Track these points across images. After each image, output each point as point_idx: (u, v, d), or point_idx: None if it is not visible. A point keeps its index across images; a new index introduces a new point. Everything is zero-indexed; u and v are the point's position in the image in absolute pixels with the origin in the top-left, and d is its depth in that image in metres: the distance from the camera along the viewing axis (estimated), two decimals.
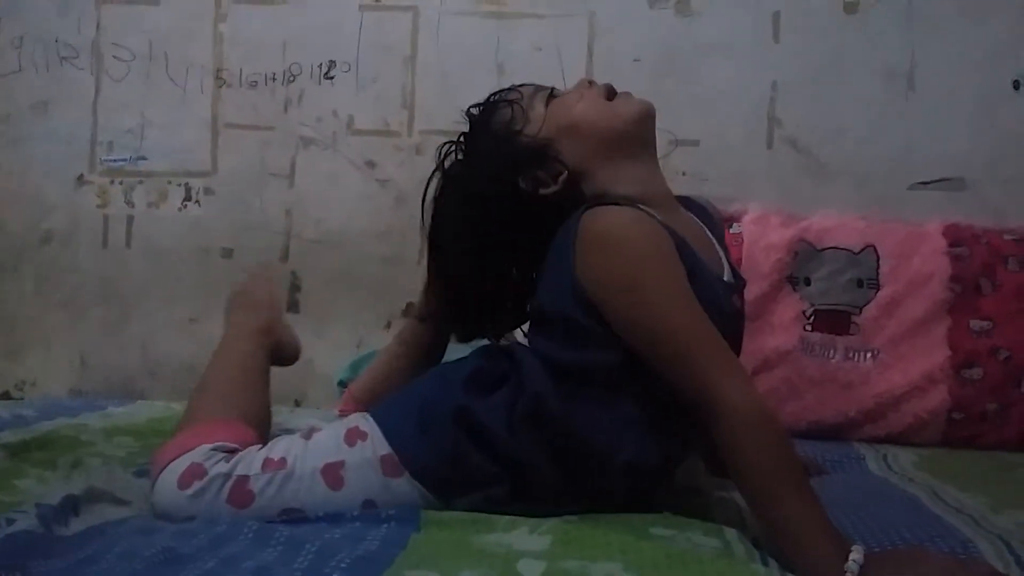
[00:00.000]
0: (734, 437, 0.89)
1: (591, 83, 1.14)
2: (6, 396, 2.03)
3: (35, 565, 0.80)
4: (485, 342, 1.16)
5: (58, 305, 2.04)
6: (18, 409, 1.58)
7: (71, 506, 1.01)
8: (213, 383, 1.19)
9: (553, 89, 1.16)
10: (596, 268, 0.98)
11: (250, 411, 1.15)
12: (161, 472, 1.03)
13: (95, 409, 1.66)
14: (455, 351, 1.18)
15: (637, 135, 1.11)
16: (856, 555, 0.82)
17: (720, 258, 1.12)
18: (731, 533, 0.93)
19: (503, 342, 1.16)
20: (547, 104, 1.12)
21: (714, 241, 1.14)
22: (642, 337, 0.96)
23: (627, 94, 1.13)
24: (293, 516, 0.98)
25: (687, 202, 1.18)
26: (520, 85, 1.16)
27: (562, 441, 0.99)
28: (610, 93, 1.12)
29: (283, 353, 1.33)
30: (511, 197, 1.08)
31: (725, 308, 1.03)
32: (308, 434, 1.07)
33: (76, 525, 0.97)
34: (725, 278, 1.09)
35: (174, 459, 1.03)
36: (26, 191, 2.04)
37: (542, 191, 1.08)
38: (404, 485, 1.01)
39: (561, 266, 1.00)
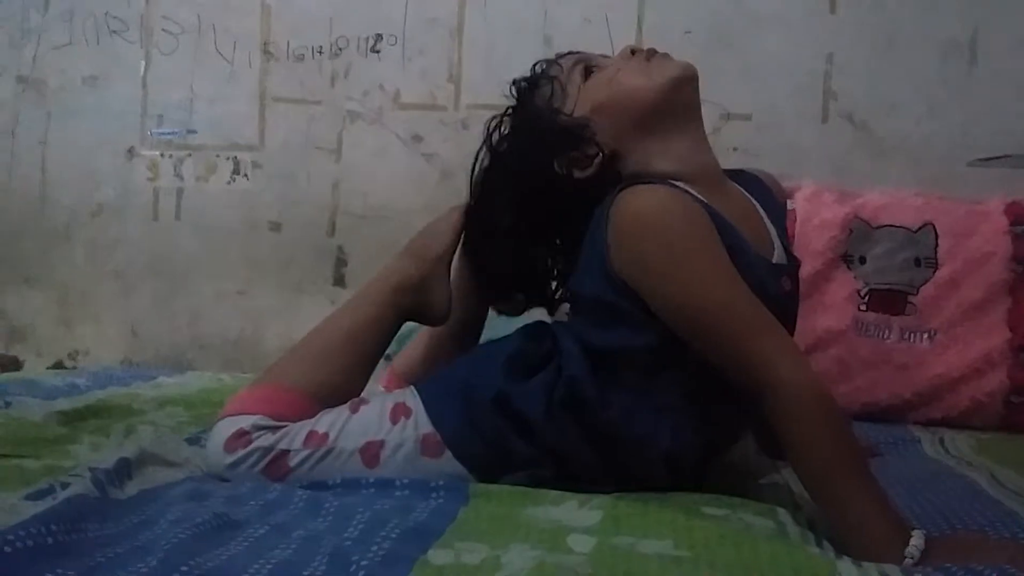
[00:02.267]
0: (789, 416, 0.87)
1: (633, 52, 1.08)
2: (59, 365, 2.07)
3: (91, 528, 0.81)
4: (533, 316, 1.15)
5: (109, 276, 2.07)
6: (71, 378, 1.61)
7: (125, 469, 1.02)
8: (314, 342, 1.13)
9: (592, 63, 1.10)
10: (630, 252, 0.95)
11: (332, 382, 1.09)
12: (217, 424, 1.05)
13: (146, 379, 1.68)
14: (505, 325, 1.17)
15: (674, 104, 1.05)
16: (917, 540, 0.80)
17: (770, 237, 1.07)
18: (784, 514, 0.91)
19: (549, 320, 1.15)
20: (585, 78, 1.09)
21: (764, 218, 1.09)
22: (685, 319, 0.93)
23: (665, 56, 1.07)
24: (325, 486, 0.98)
25: (741, 176, 1.13)
26: (564, 54, 1.13)
27: (599, 428, 0.98)
28: (650, 56, 1.08)
29: (430, 312, 1.17)
30: (547, 178, 1.06)
31: (770, 290, 0.98)
32: (355, 407, 1.06)
33: (130, 488, 0.99)
34: (775, 259, 1.04)
35: (232, 415, 1.04)
36: (78, 164, 2.07)
37: (577, 174, 1.05)
38: (444, 465, 1.00)
39: (595, 250, 0.98)
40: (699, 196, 0.98)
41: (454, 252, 1.17)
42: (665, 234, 0.94)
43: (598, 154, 1.05)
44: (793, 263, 1.10)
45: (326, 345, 1.12)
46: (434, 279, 1.15)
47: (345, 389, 1.09)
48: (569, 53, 1.13)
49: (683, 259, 0.92)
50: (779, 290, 1.02)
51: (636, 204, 0.96)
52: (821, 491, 0.86)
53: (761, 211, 1.09)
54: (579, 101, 1.07)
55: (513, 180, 1.08)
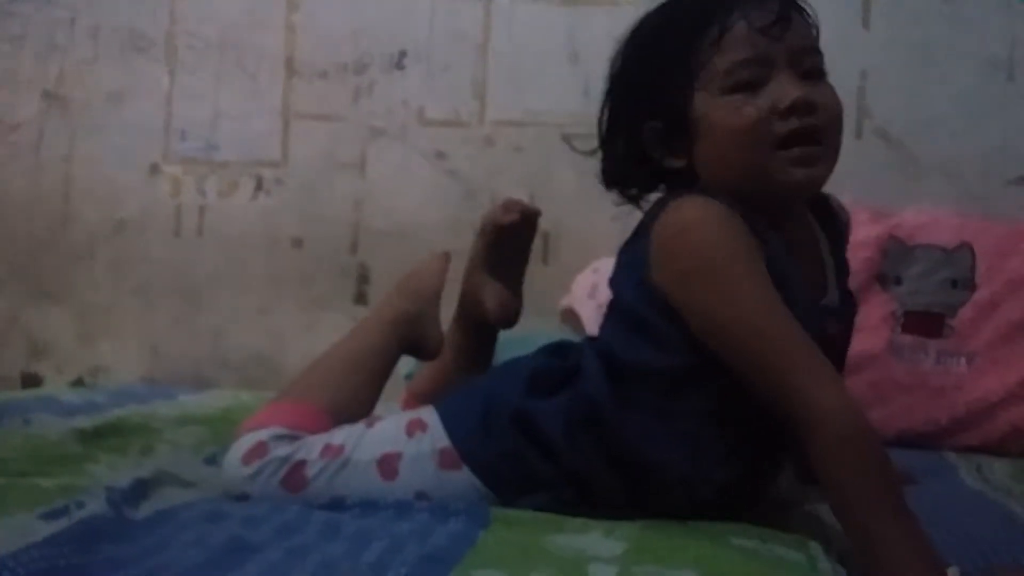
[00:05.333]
0: (827, 447, 0.83)
1: (791, 110, 0.90)
2: (79, 382, 2.07)
3: (105, 549, 0.80)
4: (553, 338, 1.12)
5: (131, 293, 2.07)
6: (90, 395, 1.60)
7: (141, 489, 1.01)
8: (325, 364, 1.16)
9: (762, 71, 0.91)
10: (673, 264, 0.91)
11: (343, 402, 1.11)
12: (234, 444, 1.04)
13: (166, 397, 1.67)
14: (519, 347, 1.15)
15: (782, 199, 0.95)
16: None
17: (825, 276, 1.00)
18: (816, 548, 0.88)
19: (569, 339, 1.12)
20: (727, 92, 0.92)
21: (826, 255, 1.02)
22: (725, 340, 0.89)
23: (812, 147, 0.92)
24: (342, 503, 0.97)
25: (821, 204, 1.04)
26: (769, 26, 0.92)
27: (616, 449, 0.95)
28: (791, 137, 0.91)
29: (423, 346, 1.23)
30: (629, 128, 0.99)
31: (813, 333, 0.91)
32: (371, 422, 1.06)
33: (146, 509, 0.97)
34: (825, 299, 0.99)
35: (248, 432, 1.04)
36: (101, 180, 2.08)
37: (649, 152, 0.98)
38: (462, 479, 0.99)
39: (635, 258, 0.95)
40: (758, 222, 0.92)
41: (440, 294, 1.23)
42: (712, 250, 0.90)
43: (683, 161, 0.97)
44: (846, 307, 1.04)
45: (336, 367, 1.14)
46: (427, 316, 1.21)
47: (357, 409, 1.10)
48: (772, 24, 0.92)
49: (728, 279, 0.89)
50: (820, 333, 0.95)
51: (685, 217, 0.91)
52: (855, 526, 0.82)
53: (825, 248, 1.03)
54: (705, 107, 0.93)
55: (619, 73, 1.01)
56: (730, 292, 0.89)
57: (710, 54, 0.92)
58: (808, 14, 0.97)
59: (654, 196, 1.02)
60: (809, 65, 0.94)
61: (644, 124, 0.97)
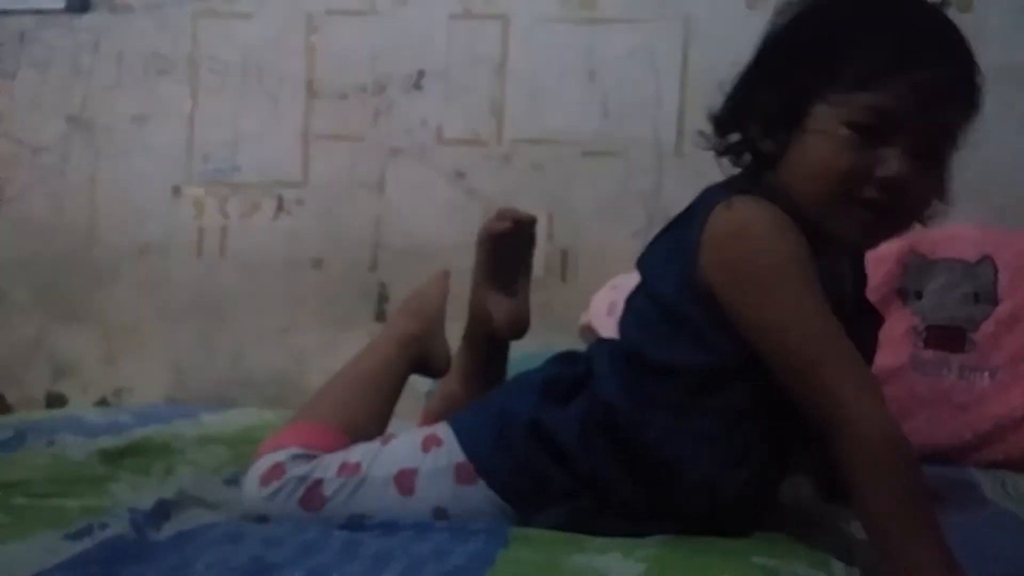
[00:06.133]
0: (861, 457, 0.83)
1: (885, 186, 0.89)
2: (103, 402, 2.09)
3: (128, 570, 0.81)
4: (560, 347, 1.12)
5: (154, 314, 2.09)
6: (113, 415, 1.61)
7: (163, 511, 1.02)
8: (337, 384, 1.18)
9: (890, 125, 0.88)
10: (728, 258, 0.91)
11: (358, 421, 1.12)
12: (252, 466, 1.05)
13: (188, 416, 1.68)
14: (533, 360, 1.15)
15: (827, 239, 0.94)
16: None
17: (844, 286, 1.01)
18: (838, 567, 0.87)
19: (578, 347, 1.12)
20: (847, 125, 0.89)
21: (846, 267, 1.03)
22: (770, 341, 0.89)
23: (875, 224, 0.91)
24: (361, 522, 0.98)
25: None
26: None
27: (634, 452, 0.95)
28: (868, 203, 0.90)
29: (430, 364, 1.26)
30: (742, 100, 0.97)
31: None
32: (387, 440, 1.06)
33: (167, 530, 0.98)
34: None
35: (265, 455, 1.04)
36: (125, 202, 2.10)
37: (748, 120, 0.96)
38: (478, 493, 0.99)
39: (680, 251, 0.94)
40: (810, 234, 0.92)
41: (443, 311, 1.25)
42: (770, 249, 0.89)
43: (765, 156, 0.95)
44: (868, 316, 1.05)
45: (349, 387, 1.16)
46: (431, 335, 1.24)
47: (372, 427, 1.11)
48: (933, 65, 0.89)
49: (783, 278, 0.88)
50: (865, 346, 0.96)
51: (744, 213, 0.91)
52: (883, 541, 0.82)
53: (848, 260, 1.03)
54: (829, 127, 0.90)
55: (770, 37, 0.98)
56: (783, 296, 0.88)
57: (860, 82, 0.89)
58: (977, 101, 0.93)
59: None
60: (935, 146, 0.91)
61: (760, 91, 0.95)
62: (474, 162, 1.96)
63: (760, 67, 0.97)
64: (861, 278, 1.06)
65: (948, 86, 0.90)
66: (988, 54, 1.73)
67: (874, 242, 0.96)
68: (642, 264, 1.02)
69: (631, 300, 1.03)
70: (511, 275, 1.26)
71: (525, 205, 1.91)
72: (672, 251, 0.96)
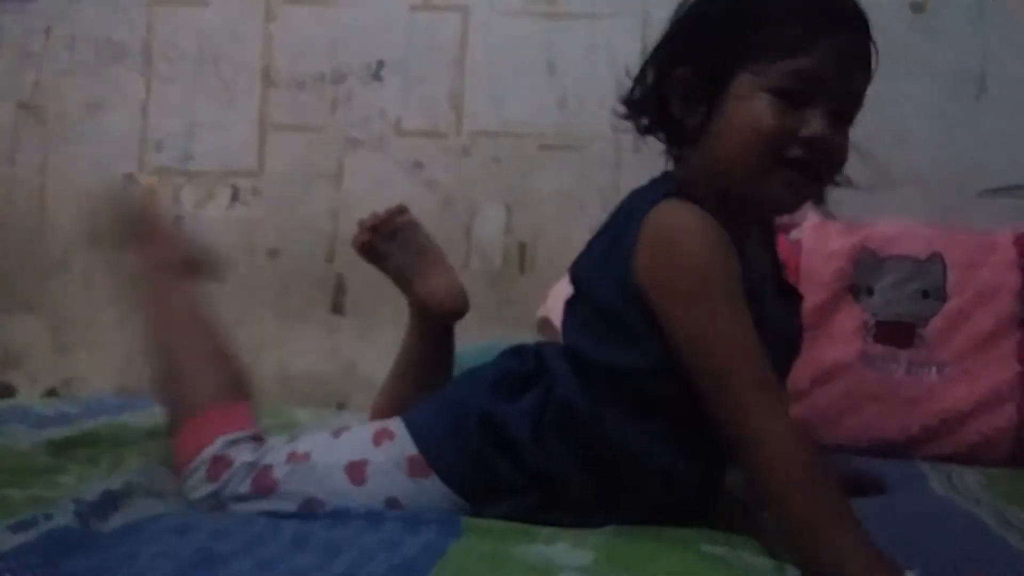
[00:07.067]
0: (768, 476, 0.85)
1: (811, 143, 0.92)
2: (52, 393, 2.05)
3: (71, 561, 0.80)
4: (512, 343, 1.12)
5: (106, 304, 2.05)
6: (63, 406, 1.58)
7: (110, 502, 1.01)
8: (183, 355, 1.11)
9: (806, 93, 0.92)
10: (659, 264, 0.92)
11: (228, 368, 1.11)
12: (189, 470, 1.03)
13: (139, 408, 1.65)
14: (489, 352, 1.15)
15: (754, 210, 0.99)
16: None
17: (766, 268, 1.04)
18: (785, 555, 0.88)
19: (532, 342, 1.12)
20: (771, 92, 0.92)
21: (764, 250, 1.07)
22: (691, 348, 0.90)
23: (802, 183, 0.94)
24: (314, 508, 0.98)
25: None
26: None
27: (592, 446, 0.96)
28: (795, 162, 0.92)
29: (202, 265, 1.21)
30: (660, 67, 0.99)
31: (784, 326, 0.97)
32: (337, 433, 1.06)
33: (114, 521, 0.97)
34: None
35: (195, 456, 1.02)
36: (76, 190, 2.06)
37: (667, 95, 0.98)
38: (432, 486, 0.99)
39: (615, 255, 0.95)
40: (734, 226, 0.94)
41: (166, 222, 1.24)
42: (700, 267, 0.90)
43: (689, 138, 0.97)
44: (791, 299, 1.08)
45: (194, 342, 1.12)
46: (176, 239, 1.24)
47: (233, 360, 1.12)
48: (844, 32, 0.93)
49: (709, 290, 0.90)
50: (790, 325, 1.00)
51: (676, 220, 0.92)
52: (802, 548, 0.84)
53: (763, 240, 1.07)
54: (754, 94, 0.93)
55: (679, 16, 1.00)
56: (704, 307, 0.90)
57: (783, 50, 0.91)
58: (874, 62, 0.97)
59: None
60: (847, 109, 0.95)
61: (677, 66, 0.97)
62: (433, 154, 1.95)
63: (677, 43, 0.99)
64: (776, 261, 1.09)
65: (860, 51, 0.94)
66: (939, 57, 1.79)
67: (800, 202, 0.98)
68: (577, 269, 1.02)
69: (570, 304, 1.03)
70: (419, 261, 1.29)
71: (483, 197, 1.94)
72: (608, 255, 0.97)
